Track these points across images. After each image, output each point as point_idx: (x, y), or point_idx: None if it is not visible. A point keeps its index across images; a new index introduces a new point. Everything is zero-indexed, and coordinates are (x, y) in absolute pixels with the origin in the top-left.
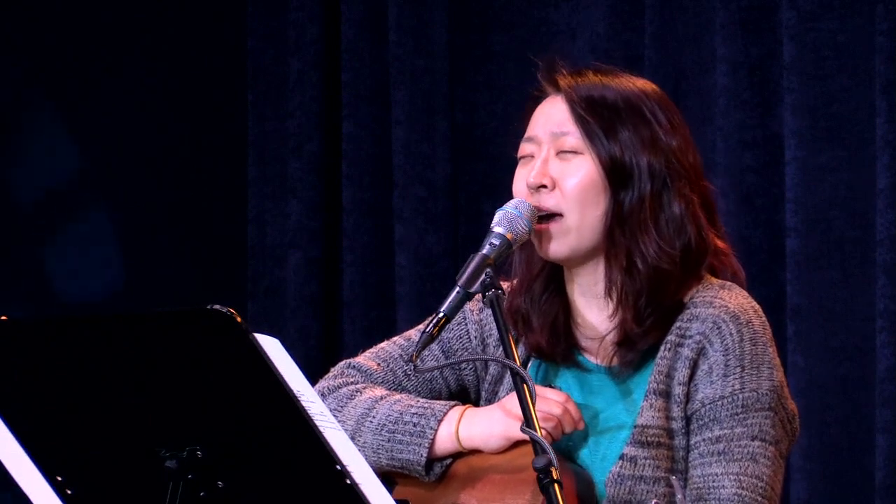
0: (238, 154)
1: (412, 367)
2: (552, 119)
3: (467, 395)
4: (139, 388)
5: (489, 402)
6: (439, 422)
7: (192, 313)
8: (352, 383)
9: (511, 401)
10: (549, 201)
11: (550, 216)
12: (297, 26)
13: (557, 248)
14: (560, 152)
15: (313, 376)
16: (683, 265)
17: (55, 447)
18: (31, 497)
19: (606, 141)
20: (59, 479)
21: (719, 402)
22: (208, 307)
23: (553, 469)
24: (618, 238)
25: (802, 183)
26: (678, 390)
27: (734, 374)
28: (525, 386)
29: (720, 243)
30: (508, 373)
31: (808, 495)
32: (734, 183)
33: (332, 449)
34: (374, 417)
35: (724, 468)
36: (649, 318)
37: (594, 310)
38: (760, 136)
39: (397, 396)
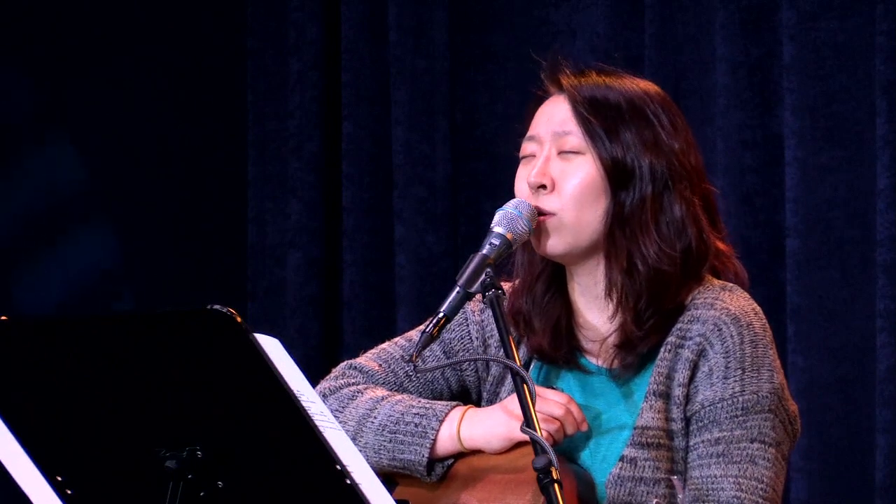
0: (238, 154)
1: (413, 368)
2: (554, 118)
3: (469, 395)
4: (139, 387)
5: (490, 402)
6: (441, 422)
7: (192, 313)
8: (353, 384)
9: (513, 401)
10: (547, 203)
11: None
12: (297, 26)
13: (553, 244)
14: (561, 152)
15: (313, 376)
16: (684, 267)
17: (55, 447)
18: (31, 497)
19: (608, 142)
20: (59, 479)
21: (719, 404)
22: (208, 307)
23: (553, 469)
24: (618, 238)
25: (802, 183)
26: (678, 392)
27: (734, 376)
28: (525, 386)
29: (722, 245)
30: (509, 374)
31: (808, 495)
32: (734, 183)
33: (332, 449)
34: (375, 418)
35: (723, 470)
36: (649, 320)
37: (595, 311)
38: (760, 136)
39: (399, 397)
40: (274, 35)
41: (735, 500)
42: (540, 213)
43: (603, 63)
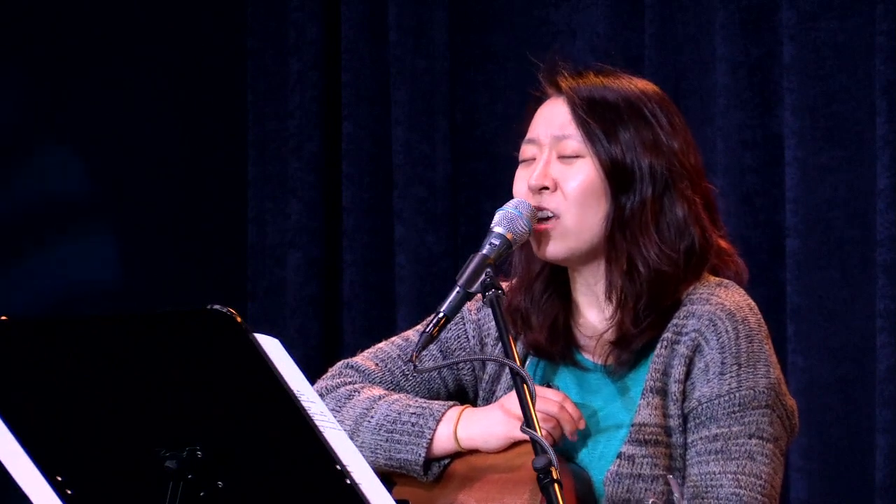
0: (238, 154)
1: (411, 368)
2: (554, 121)
3: (465, 394)
4: (139, 387)
5: (487, 401)
6: (437, 422)
7: (192, 313)
8: (350, 383)
9: (510, 400)
10: (549, 202)
11: (549, 217)
12: (297, 26)
13: (555, 249)
14: (561, 156)
15: (313, 376)
16: (685, 266)
17: (55, 447)
18: (31, 497)
19: (607, 142)
20: (59, 479)
21: (716, 401)
22: (208, 307)
23: (553, 469)
24: (619, 241)
25: (802, 183)
26: (674, 388)
27: (731, 371)
28: (525, 386)
29: (723, 243)
30: (505, 372)
31: (808, 495)
32: (734, 183)
33: (332, 449)
34: (372, 417)
35: (721, 467)
36: (647, 318)
37: (594, 310)
38: (760, 136)
39: (396, 396)
40: (274, 35)
41: (734, 496)
42: (541, 213)
43: (601, 62)
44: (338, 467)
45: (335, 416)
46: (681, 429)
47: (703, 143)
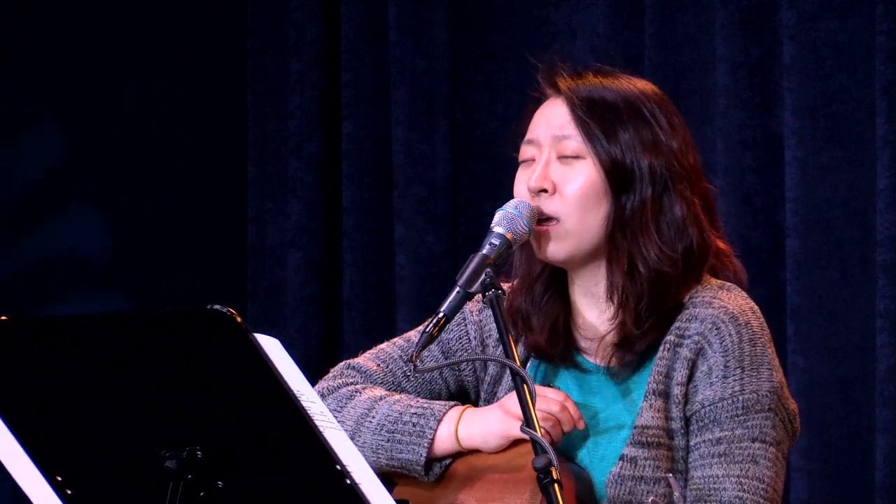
0: (238, 154)
1: (412, 368)
2: (553, 122)
3: (467, 395)
4: (139, 387)
5: (488, 402)
6: (438, 422)
7: (192, 313)
8: (351, 384)
9: (510, 400)
10: (549, 206)
11: (549, 219)
12: (297, 26)
13: (556, 250)
14: (561, 156)
15: (313, 376)
16: (685, 267)
17: (55, 447)
18: (31, 497)
19: (607, 142)
20: (59, 479)
21: (719, 404)
22: (208, 307)
23: (553, 469)
24: (619, 241)
25: (802, 183)
26: (677, 391)
27: (734, 375)
28: (525, 386)
29: (721, 244)
30: (507, 373)
31: (808, 495)
32: (734, 183)
33: (332, 449)
34: (373, 417)
35: (725, 470)
36: (649, 319)
37: (595, 311)
38: (760, 136)
39: (397, 396)
40: (274, 35)
41: (737, 499)
42: (541, 216)
43: (601, 63)
44: (338, 467)
45: (336, 417)
46: (683, 431)
47: (703, 143)
